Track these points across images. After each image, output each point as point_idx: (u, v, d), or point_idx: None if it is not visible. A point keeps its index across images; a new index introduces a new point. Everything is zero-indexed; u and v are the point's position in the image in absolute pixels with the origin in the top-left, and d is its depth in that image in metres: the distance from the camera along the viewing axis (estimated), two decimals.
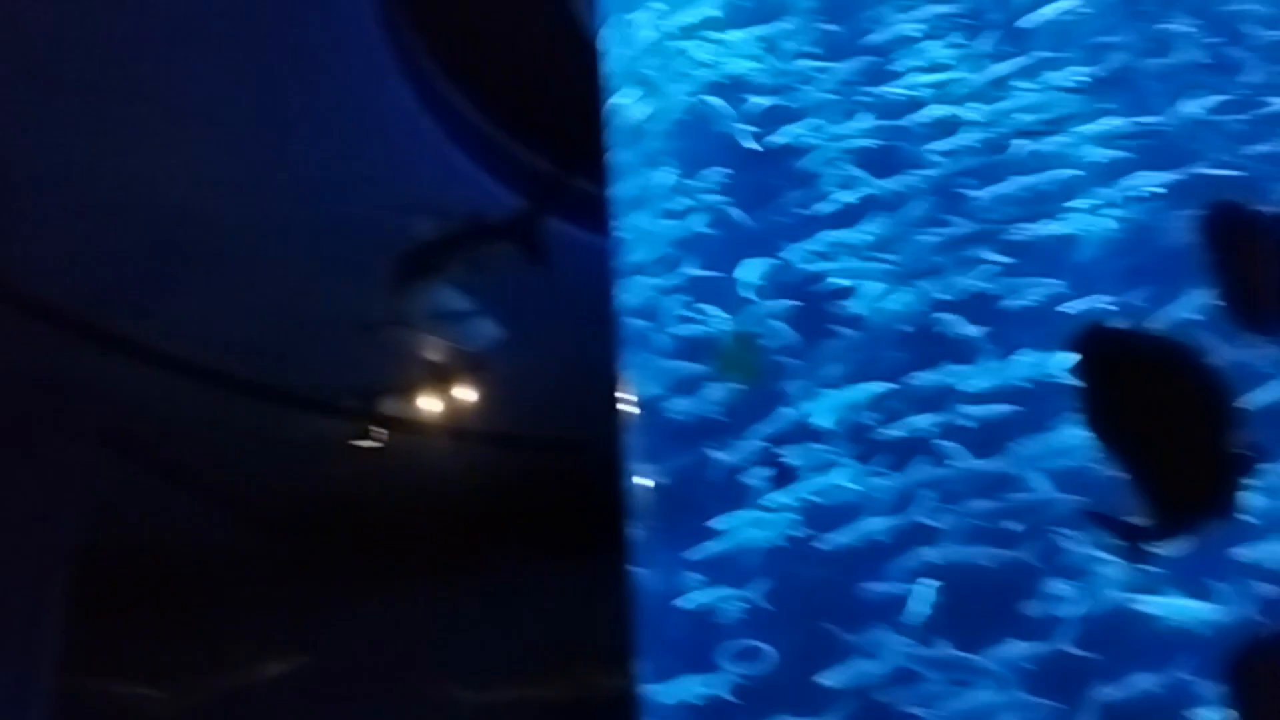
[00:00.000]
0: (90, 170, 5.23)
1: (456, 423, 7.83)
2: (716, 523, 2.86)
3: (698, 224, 3.25)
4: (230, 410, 7.21)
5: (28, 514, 7.04)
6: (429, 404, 7.65)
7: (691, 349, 3.05)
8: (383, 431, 7.74)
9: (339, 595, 9.19)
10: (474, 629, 9.21)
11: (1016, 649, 2.55)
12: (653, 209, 3.28)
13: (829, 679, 2.64)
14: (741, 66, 3.35)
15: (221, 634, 9.22)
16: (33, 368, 6.50)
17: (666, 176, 3.33)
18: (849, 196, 3.10)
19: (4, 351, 6.35)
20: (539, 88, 4.79)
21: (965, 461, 2.69)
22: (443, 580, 9.08)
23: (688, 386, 2.98)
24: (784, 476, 2.85)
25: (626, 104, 3.53)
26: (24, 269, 5.75)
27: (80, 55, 4.81)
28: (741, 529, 2.83)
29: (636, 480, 2.98)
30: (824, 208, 3.09)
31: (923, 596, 2.51)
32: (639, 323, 3.17)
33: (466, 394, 7.59)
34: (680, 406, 2.99)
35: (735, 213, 3.24)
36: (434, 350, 6.45)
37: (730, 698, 2.82)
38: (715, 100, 3.38)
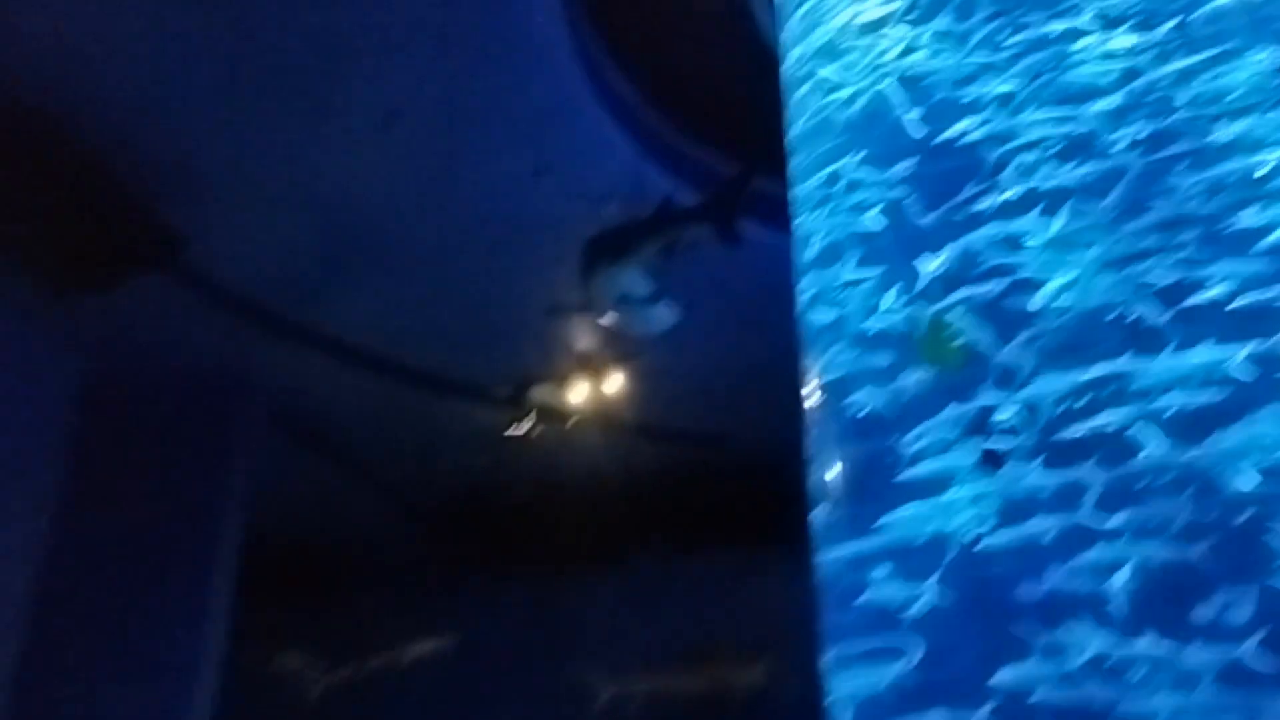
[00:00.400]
0: (276, 165, 5.57)
1: (610, 413, 8.04)
2: (899, 515, 2.92)
3: (881, 218, 3.32)
4: (395, 398, 7.55)
5: (202, 493, 7.53)
6: (585, 394, 7.88)
7: (875, 341, 3.12)
8: (543, 421, 7.99)
9: (486, 580, 9.52)
10: (614, 618, 9.41)
11: (1213, 650, 2.55)
12: (835, 204, 3.35)
13: (1009, 676, 2.67)
14: (923, 59, 3.39)
15: (374, 614, 9.65)
16: (211, 353, 6.96)
17: (848, 171, 3.40)
18: (1035, 187, 3.12)
19: (184, 336, 6.82)
20: (719, 85, 4.89)
21: (1159, 455, 2.69)
22: (586, 569, 9.31)
23: (872, 378, 3.05)
24: (971, 468, 2.90)
25: (807, 99, 3.61)
26: (209, 257, 6.14)
27: (269, 56, 5.14)
28: (925, 521, 2.88)
29: (819, 472, 3.06)
30: (1009, 199, 3.12)
31: (1118, 589, 2.52)
32: (821, 315, 3.25)
33: (622, 385, 7.79)
34: (864, 398, 3.06)
35: (918, 206, 3.29)
36: (603, 337, 6.63)
37: (905, 691, 2.88)
38: (897, 94, 3.44)
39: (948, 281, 3.08)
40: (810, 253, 3.33)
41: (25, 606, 6.59)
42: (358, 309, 6.61)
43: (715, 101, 5.11)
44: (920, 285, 3.08)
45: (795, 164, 3.57)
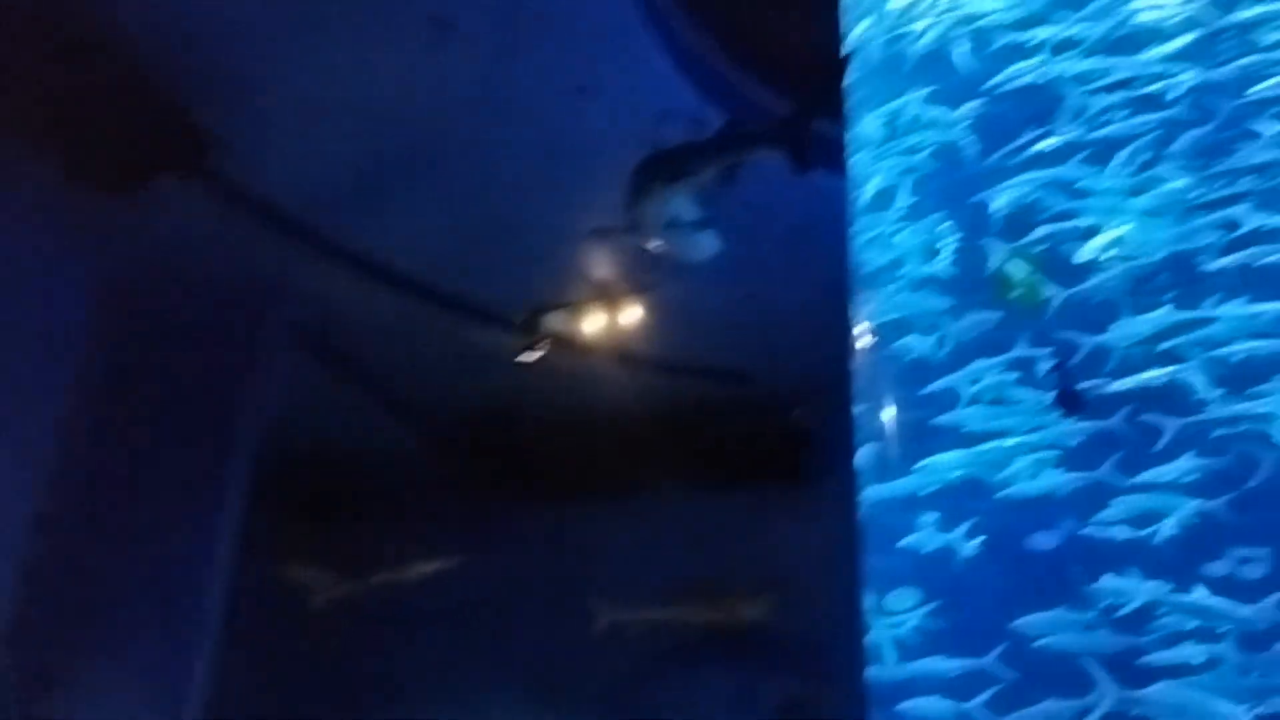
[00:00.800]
0: (320, 73, 5.46)
1: (627, 345, 8.08)
2: (936, 461, 2.97)
3: (937, 161, 3.32)
4: (418, 318, 7.55)
5: (219, 401, 7.59)
6: (601, 323, 7.92)
7: (931, 285, 3.14)
8: (557, 349, 8.01)
9: (497, 505, 9.64)
10: (623, 550, 9.55)
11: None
12: (895, 144, 3.35)
13: (1035, 625, 2.75)
14: (985, 4, 3.36)
15: (385, 531, 9.80)
16: (237, 262, 6.93)
17: (910, 111, 3.39)
18: (1096, 134, 3.11)
19: (211, 243, 6.78)
20: (772, 16, 4.81)
21: (1211, 404, 2.73)
22: (597, 500, 9.42)
23: (925, 323, 3.08)
24: (1017, 415, 2.93)
25: (866, 41, 3.58)
26: (242, 163, 6.06)
27: None
28: (968, 467, 2.92)
29: (867, 414, 3.11)
30: (1069, 145, 3.11)
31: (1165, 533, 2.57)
32: (875, 258, 3.26)
33: (639, 316, 7.82)
34: (916, 342, 3.09)
35: (974, 149, 3.29)
36: (624, 266, 6.59)
37: (937, 632, 2.96)
38: (960, 37, 3.41)
39: (1007, 226, 3.09)
40: (866, 195, 3.33)
41: (40, 505, 6.67)
42: (388, 225, 6.56)
43: (767, 33, 5.04)
44: (979, 230, 3.09)
45: (854, 102, 3.55)
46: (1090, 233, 2.99)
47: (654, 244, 4.42)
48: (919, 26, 3.48)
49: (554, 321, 8.26)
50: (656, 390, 8.57)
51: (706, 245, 4.25)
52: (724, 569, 9.35)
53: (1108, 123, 3.08)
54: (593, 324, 8.13)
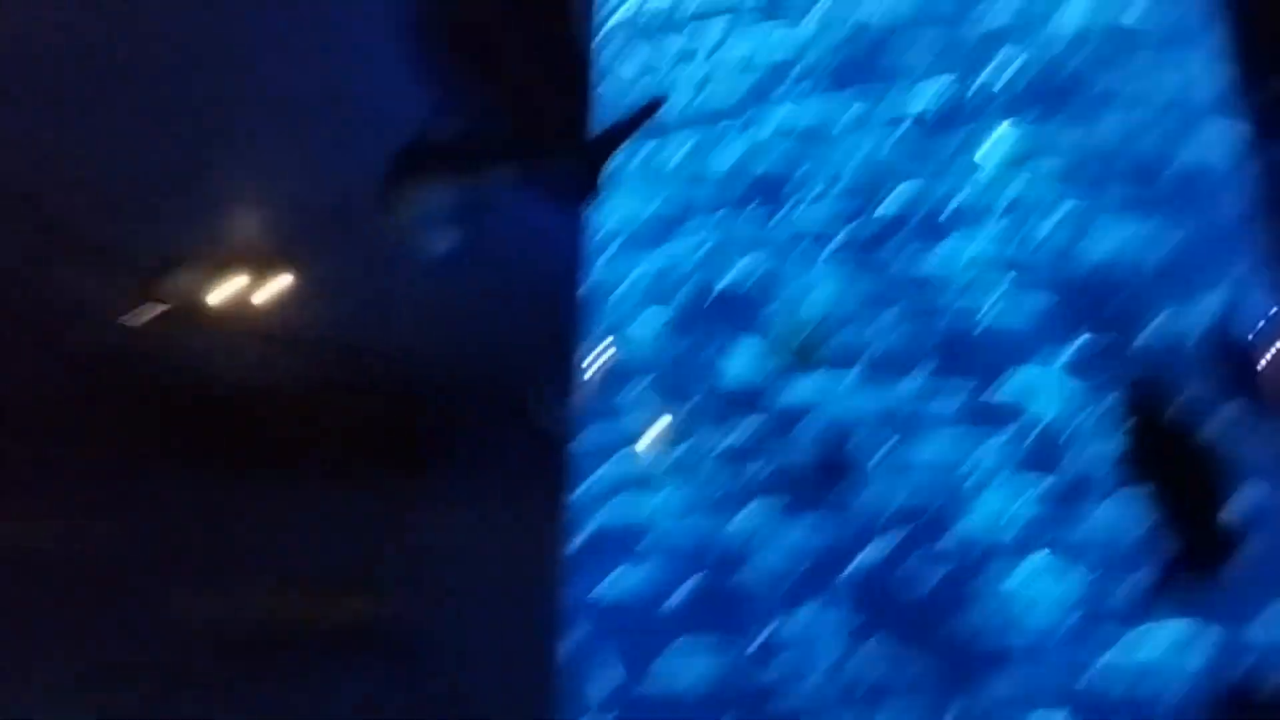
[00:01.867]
0: None
1: (264, 316, 7.89)
2: (630, 499, 3.35)
3: (675, 207, 3.72)
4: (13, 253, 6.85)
5: None
6: (242, 290, 7.69)
7: (650, 324, 3.52)
8: (184, 311, 7.66)
9: (84, 474, 8.94)
10: (231, 538, 9.21)
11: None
12: (627, 189, 3.71)
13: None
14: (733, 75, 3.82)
15: None
16: None
17: (646, 156, 3.76)
18: (806, 210, 3.66)
19: None
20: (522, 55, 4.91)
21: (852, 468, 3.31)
22: (205, 482, 9.03)
23: (641, 360, 3.45)
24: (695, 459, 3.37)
25: (612, 91, 3.92)
26: None
27: None
28: (644, 508, 3.33)
29: (581, 445, 3.43)
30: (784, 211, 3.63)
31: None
32: (607, 290, 3.60)
33: (285, 288, 7.68)
34: (629, 379, 3.46)
35: (703, 201, 3.72)
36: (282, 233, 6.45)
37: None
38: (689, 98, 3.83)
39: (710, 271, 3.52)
40: (600, 235, 3.66)
41: None
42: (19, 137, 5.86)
43: (523, 79, 5.14)
44: (708, 277, 3.52)
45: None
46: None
47: (399, 227, 4.41)
48: (666, 72, 3.85)
49: (183, 280, 7.88)
50: (292, 367, 8.39)
51: (448, 240, 4.31)
52: (337, 563, 9.32)
53: (808, 202, 3.64)
54: (230, 289, 7.87)
